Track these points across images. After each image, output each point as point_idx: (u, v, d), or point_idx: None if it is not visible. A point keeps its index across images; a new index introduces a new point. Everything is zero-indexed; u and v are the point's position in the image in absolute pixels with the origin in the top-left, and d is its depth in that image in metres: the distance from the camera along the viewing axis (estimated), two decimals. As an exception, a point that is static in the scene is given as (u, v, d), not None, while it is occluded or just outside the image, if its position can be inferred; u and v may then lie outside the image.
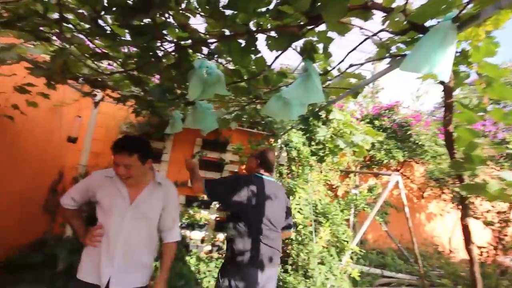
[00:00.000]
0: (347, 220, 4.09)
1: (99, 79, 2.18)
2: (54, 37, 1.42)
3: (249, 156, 2.21)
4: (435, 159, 4.47)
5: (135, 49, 1.41)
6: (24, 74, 2.30)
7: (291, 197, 2.90)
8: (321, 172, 3.68)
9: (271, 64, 1.38)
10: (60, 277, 2.74)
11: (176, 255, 3.13)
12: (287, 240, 3.24)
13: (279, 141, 3.79)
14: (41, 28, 1.34)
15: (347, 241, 2.97)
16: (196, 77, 1.39)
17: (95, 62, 1.61)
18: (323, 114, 2.22)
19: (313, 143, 2.52)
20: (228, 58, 1.43)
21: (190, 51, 1.38)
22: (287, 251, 3.47)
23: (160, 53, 1.39)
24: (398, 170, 5.02)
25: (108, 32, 1.13)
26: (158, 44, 1.28)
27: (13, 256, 2.70)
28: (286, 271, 3.05)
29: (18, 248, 2.79)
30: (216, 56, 1.36)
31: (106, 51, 1.43)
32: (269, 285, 1.76)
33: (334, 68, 1.42)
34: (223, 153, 4.11)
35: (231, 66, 1.54)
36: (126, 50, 1.49)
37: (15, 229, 2.75)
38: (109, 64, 2.07)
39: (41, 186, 2.96)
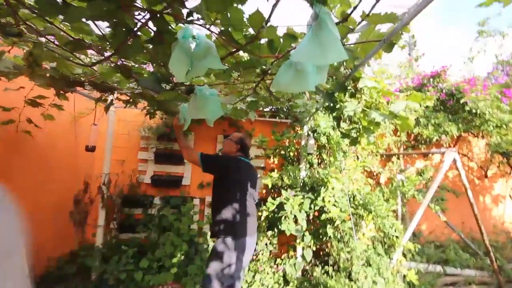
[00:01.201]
0: (394, 211, 3.55)
1: (97, 82, 2.06)
2: (27, 33, 1.27)
3: (227, 139, 2.21)
4: (500, 129, 3.68)
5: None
6: (31, 86, 2.28)
7: (322, 189, 2.53)
8: (357, 158, 3.21)
9: (269, 17, 1.06)
10: (95, 285, 2.73)
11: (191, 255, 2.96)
12: (325, 238, 2.87)
13: (305, 128, 3.41)
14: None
15: (397, 236, 2.50)
16: (179, 50, 1.12)
17: (75, 54, 1.43)
18: (349, 84, 1.82)
19: (343, 123, 2.12)
20: (217, 21, 1.14)
21: (170, 18, 1.13)
22: (326, 249, 3.09)
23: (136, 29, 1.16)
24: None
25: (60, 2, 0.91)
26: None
27: (49, 269, 2.74)
28: (327, 272, 2.69)
29: (55, 260, 2.85)
30: (198, 18, 1.08)
31: (79, 38, 1.24)
32: (253, 248, 1.97)
33: (355, 8, 1.05)
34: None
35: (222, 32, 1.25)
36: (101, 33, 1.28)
37: (50, 242, 2.80)
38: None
39: (70, 197, 2.99)
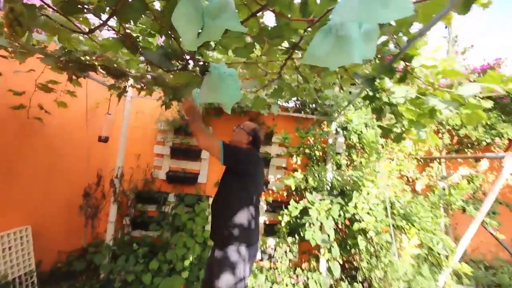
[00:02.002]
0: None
1: (109, 65, 1.89)
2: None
3: (238, 128, 1.96)
4: None
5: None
6: (41, 69, 2.17)
7: (355, 193, 2.17)
8: (392, 160, 2.80)
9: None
10: (102, 285, 2.58)
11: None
12: (353, 250, 2.51)
13: (333, 124, 3.06)
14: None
15: (447, 255, 2.08)
16: (187, 3, 0.87)
17: (74, 23, 1.23)
18: (398, 65, 1.48)
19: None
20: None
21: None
22: (354, 262, 2.71)
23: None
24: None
25: None
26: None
27: (59, 264, 2.63)
28: (355, 290, 2.32)
29: (66, 255, 2.74)
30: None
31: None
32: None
33: None
34: (267, 146, 3.56)
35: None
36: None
37: (61, 235, 2.70)
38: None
39: (82, 190, 2.87)
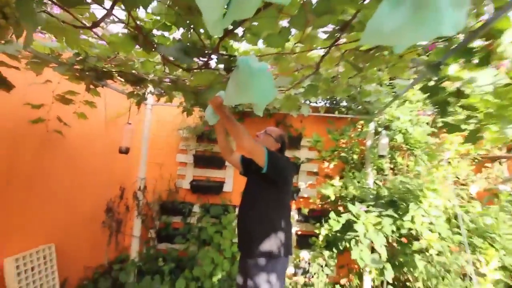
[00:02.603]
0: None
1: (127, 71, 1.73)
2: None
3: (263, 133, 1.75)
4: None
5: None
6: (58, 79, 2.07)
7: (412, 205, 1.82)
8: (449, 163, 2.38)
9: None
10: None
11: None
12: (404, 268, 2.14)
13: (371, 124, 2.71)
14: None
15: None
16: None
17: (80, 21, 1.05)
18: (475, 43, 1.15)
19: (451, 108, 1.41)
20: None
21: None
22: (407, 283, 2.33)
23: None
24: None
25: None
26: None
27: (84, 281, 2.53)
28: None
29: (92, 271, 2.64)
30: None
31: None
32: None
33: None
34: (296, 150, 3.27)
35: None
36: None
37: (87, 251, 2.60)
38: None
39: (106, 203, 2.77)
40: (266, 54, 1.27)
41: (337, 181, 2.35)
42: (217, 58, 1.25)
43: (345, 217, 2.02)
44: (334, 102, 3.10)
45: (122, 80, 2.15)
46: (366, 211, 1.96)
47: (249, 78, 1.06)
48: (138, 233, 2.73)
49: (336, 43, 1.13)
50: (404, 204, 1.89)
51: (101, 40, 1.28)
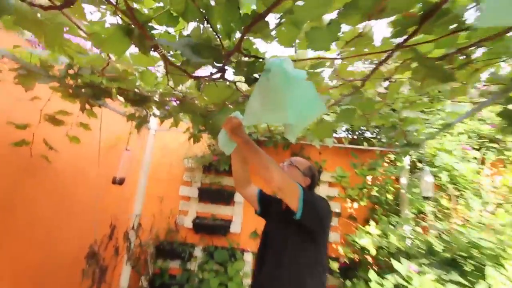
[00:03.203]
0: None
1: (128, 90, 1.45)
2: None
3: (290, 166, 1.37)
4: None
5: None
6: (47, 95, 1.81)
7: (488, 269, 1.34)
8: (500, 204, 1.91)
9: None
10: None
11: None
12: None
13: (406, 159, 2.32)
14: None
15: None
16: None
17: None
18: None
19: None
20: None
21: None
22: None
23: None
24: None
25: None
26: None
27: None
28: None
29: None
30: None
31: None
32: None
33: None
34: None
35: None
36: None
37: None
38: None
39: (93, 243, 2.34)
40: (302, 59, 0.95)
41: (373, 228, 1.90)
42: (235, 66, 0.94)
43: (391, 280, 1.54)
44: (358, 132, 2.76)
45: (122, 99, 1.89)
46: (419, 273, 1.49)
47: (284, 87, 0.73)
48: (126, 282, 2.26)
49: (404, 45, 0.81)
50: (472, 265, 1.42)
51: (87, 41, 1.00)
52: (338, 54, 0.86)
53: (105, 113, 2.15)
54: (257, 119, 0.78)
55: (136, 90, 1.61)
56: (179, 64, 0.92)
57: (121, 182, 2.07)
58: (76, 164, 2.17)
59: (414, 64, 0.96)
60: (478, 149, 2.12)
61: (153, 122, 2.65)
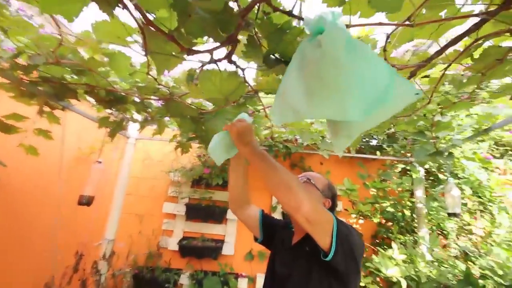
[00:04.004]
0: None
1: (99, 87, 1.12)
2: None
3: (304, 180, 1.06)
4: None
5: None
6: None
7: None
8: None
9: None
10: None
11: None
12: None
13: (421, 170, 2.09)
14: None
15: None
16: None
17: None
18: None
19: None
20: None
21: None
22: None
23: None
24: None
25: None
26: None
27: None
28: None
29: None
30: None
31: None
32: None
33: None
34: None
35: None
36: None
37: None
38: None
39: (55, 276, 1.90)
40: (357, 26, 0.65)
41: (397, 252, 1.61)
42: (247, 43, 0.64)
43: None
44: (363, 139, 2.52)
45: (92, 100, 1.54)
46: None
47: (347, 60, 0.44)
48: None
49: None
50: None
51: None
52: (406, 20, 0.58)
53: (72, 118, 1.77)
54: (297, 114, 0.48)
55: (109, 87, 1.27)
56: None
57: (89, 202, 1.68)
58: (34, 181, 1.75)
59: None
60: (500, 158, 1.93)
61: (133, 128, 2.28)
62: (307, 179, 1.08)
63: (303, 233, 1.03)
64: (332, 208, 1.08)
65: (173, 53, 0.64)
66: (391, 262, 1.47)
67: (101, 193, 1.78)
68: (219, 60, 0.67)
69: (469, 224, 1.89)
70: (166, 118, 1.72)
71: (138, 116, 1.65)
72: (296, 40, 0.57)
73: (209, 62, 0.68)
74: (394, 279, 1.42)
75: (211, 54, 0.64)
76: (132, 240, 2.41)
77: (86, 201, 1.67)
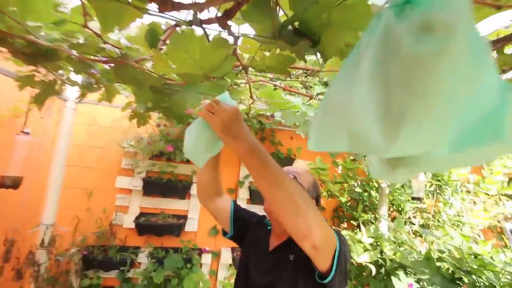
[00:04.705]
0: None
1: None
2: None
3: (291, 177, 0.86)
4: None
5: None
6: None
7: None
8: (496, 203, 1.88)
9: None
10: None
11: None
12: None
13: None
14: None
15: None
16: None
17: None
18: None
19: None
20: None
21: None
22: None
23: None
24: None
25: None
26: None
27: None
28: None
29: None
30: None
31: None
32: None
33: None
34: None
35: None
36: None
37: None
38: None
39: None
40: None
41: (365, 236, 1.64)
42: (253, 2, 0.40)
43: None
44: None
45: (7, 52, 1.11)
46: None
47: (469, 61, 0.24)
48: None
49: None
50: (476, 281, 1.28)
51: None
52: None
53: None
54: (361, 145, 0.29)
55: (29, 37, 0.88)
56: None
57: (15, 184, 1.32)
58: None
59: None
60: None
61: (72, 90, 1.83)
62: (294, 178, 0.92)
63: (284, 236, 0.91)
64: (316, 204, 0.97)
65: (131, 0, 0.36)
66: (360, 247, 1.51)
67: (33, 171, 1.42)
68: (209, 21, 0.41)
69: (425, 203, 2.03)
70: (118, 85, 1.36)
71: (76, 77, 1.26)
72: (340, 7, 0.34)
73: (192, 24, 0.42)
74: (364, 264, 1.46)
75: (198, 11, 0.38)
76: (78, 219, 2.10)
77: (11, 183, 1.31)
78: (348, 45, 0.48)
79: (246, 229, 1.01)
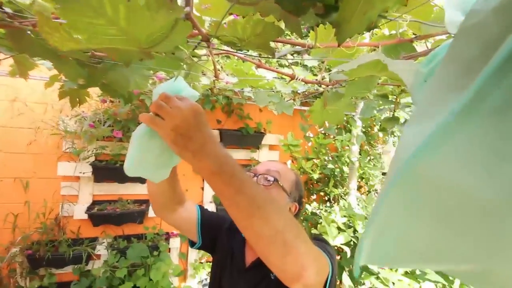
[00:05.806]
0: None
1: None
2: None
3: (267, 178, 0.77)
4: None
5: None
6: None
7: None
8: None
9: None
10: None
11: None
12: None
13: (358, 121, 2.07)
14: None
15: None
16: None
17: None
18: None
19: None
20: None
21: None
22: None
23: None
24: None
25: None
26: None
27: None
28: None
29: None
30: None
31: None
32: None
33: None
34: (254, 152, 2.36)
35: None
36: None
37: None
38: None
39: None
40: None
41: (339, 216, 1.61)
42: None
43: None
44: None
45: None
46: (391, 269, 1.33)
47: None
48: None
49: None
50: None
51: None
52: None
53: None
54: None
55: None
56: None
57: None
58: None
59: None
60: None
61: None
62: (275, 180, 0.77)
63: None
64: (298, 213, 0.85)
65: None
66: (335, 227, 1.48)
67: None
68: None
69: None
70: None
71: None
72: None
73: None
74: (339, 247, 1.45)
75: None
76: (14, 215, 1.78)
77: None
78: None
79: (216, 236, 0.87)
